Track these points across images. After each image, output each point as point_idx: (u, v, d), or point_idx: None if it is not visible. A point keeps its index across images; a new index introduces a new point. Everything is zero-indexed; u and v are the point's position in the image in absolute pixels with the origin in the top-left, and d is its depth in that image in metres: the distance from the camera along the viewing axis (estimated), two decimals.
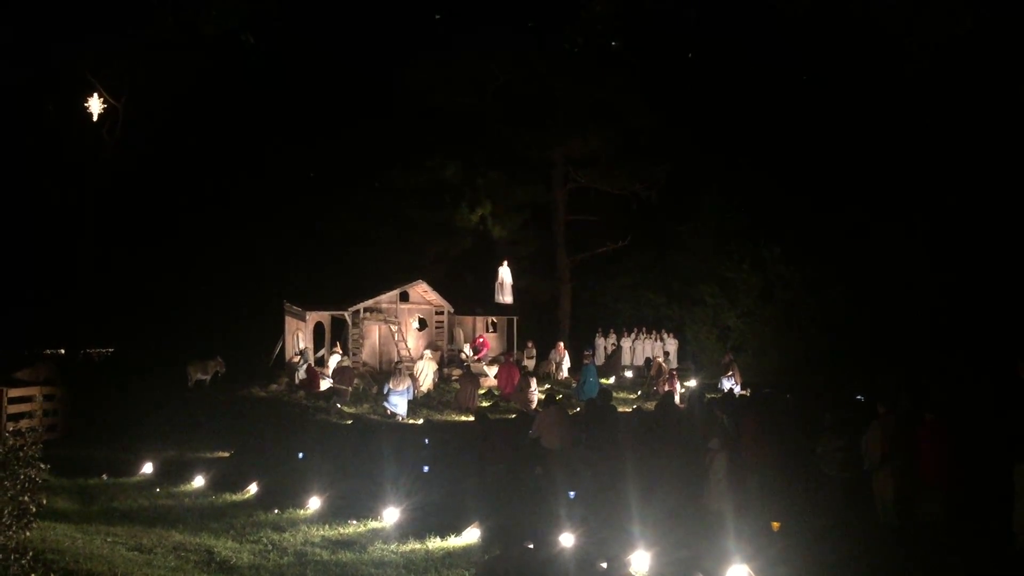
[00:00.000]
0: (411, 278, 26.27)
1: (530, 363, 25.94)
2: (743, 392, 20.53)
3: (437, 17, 31.41)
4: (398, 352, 24.49)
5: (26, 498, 7.45)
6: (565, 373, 26.01)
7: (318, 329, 25.78)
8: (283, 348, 25.93)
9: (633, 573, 8.16)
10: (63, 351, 29.98)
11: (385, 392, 19.89)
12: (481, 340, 27.63)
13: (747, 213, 30.46)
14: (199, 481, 13.35)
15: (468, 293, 29.88)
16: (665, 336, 29.35)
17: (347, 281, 28.20)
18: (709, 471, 10.44)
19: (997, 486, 10.05)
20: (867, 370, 22.61)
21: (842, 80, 29.24)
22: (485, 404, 21.14)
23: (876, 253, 27.21)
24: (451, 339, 27.65)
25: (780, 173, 29.94)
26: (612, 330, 30.43)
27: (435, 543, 9.79)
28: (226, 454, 15.87)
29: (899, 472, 10.10)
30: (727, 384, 22.67)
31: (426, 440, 16.07)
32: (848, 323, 26.55)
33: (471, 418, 18.55)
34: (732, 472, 10.29)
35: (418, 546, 9.71)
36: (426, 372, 22.67)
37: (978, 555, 8.81)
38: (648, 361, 25.67)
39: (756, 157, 30.73)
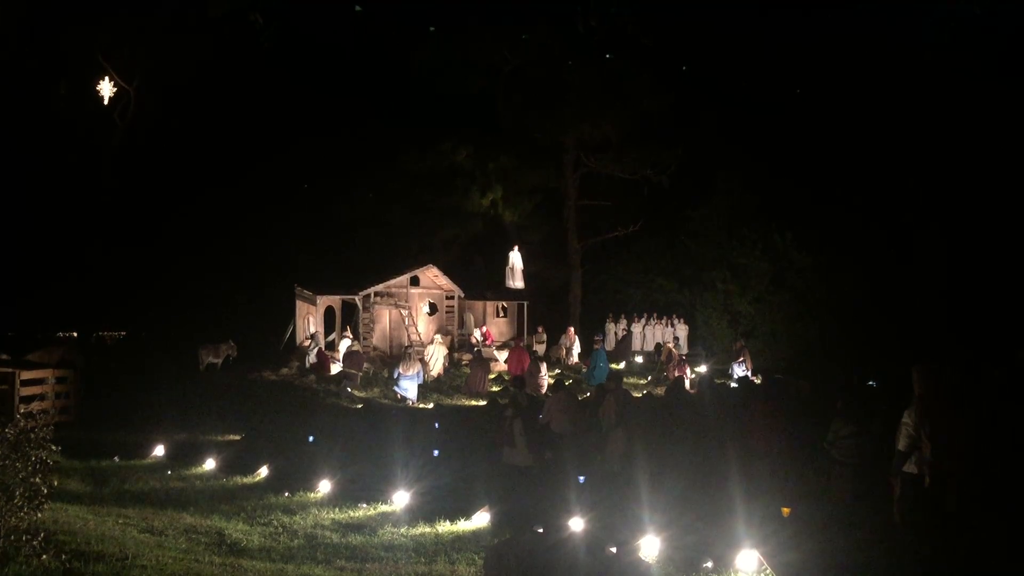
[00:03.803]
0: (422, 262, 26.28)
1: (540, 348, 25.94)
2: (754, 378, 20.48)
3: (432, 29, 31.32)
4: (408, 336, 24.51)
5: (38, 479, 7.47)
6: (575, 358, 26.00)
7: (329, 313, 25.82)
8: (294, 332, 26.02)
9: (643, 558, 8.15)
10: (76, 334, 30.14)
11: (395, 376, 19.90)
12: (485, 331, 27.67)
13: (759, 199, 30.30)
14: (210, 464, 13.39)
15: (479, 278, 29.88)
16: (676, 322, 29.29)
17: (358, 265, 28.25)
18: (512, 434, 11.80)
19: (1012, 474, 9.99)
20: (879, 356, 22.52)
21: (857, 64, 29.02)
22: (495, 389, 21.16)
23: (888, 239, 27.07)
24: (461, 324, 27.66)
25: (792, 159, 29.77)
26: (623, 315, 30.38)
27: (445, 527, 9.80)
28: (237, 437, 15.92)
29: (629, 432, 11.87)
30: (738, 370, 22.61)
31: (436, 424, 16.09)
32: (860, 309, 26.44)
33: (482, 402, 18.58)
34: (528, 433, 11.72)
35: (428, 529, 9.72)
36: (436, 356, 22.68)
37: (991, 543, 8.75)
38: (659, 346, 25.63)
39: (768, 142, 30.55)
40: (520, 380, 15.40)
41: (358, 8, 31.30)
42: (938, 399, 8.10)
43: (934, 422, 7.98)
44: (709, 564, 8.09)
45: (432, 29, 31.26)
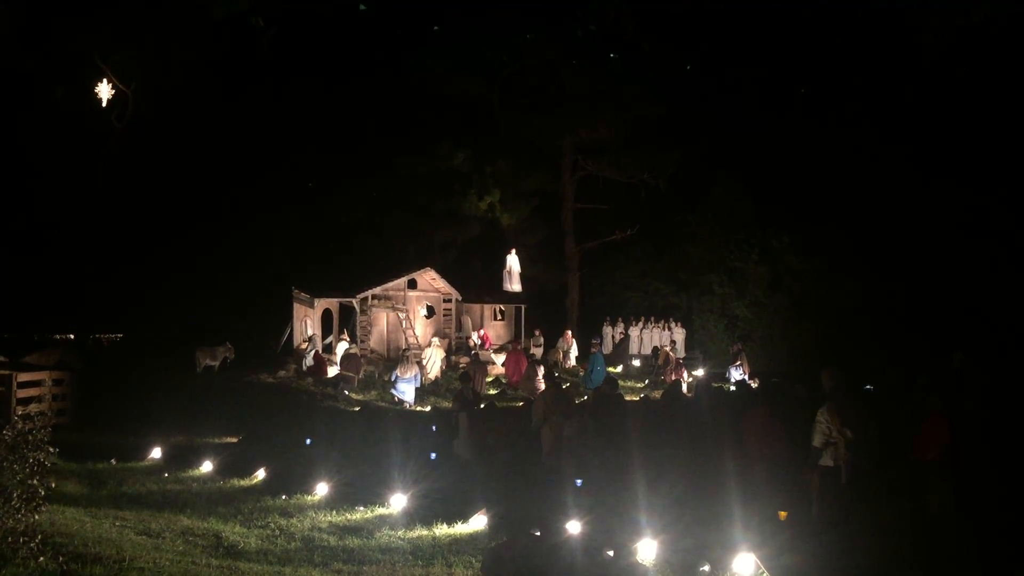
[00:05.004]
0: (419, 265, 26.27)
1: (538, 351, 25.93)
2: (751, 381, 20.49)
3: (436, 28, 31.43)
4: (406, 339, 24.49)
5: (35, 481, 7.45)
6: (572, 361, 26.02)
7: (326, 316, 25.81)
8: (291, 334, 25.98)
9: (639, 561, 8.15)
10: (73, 336, 30.12)
11: (393, 379, 19.90)
12: (483, 334, 27.69)
13: (756, 203, 30.35)
14: (207, 466, 13.39)
15: (476, 281, 29.88)
16: (673, 325, 29.29)
17: (355, 268, 28.23)
18: (458, 428, 12.84)
19: (1007, 475, 10.04)
20: (876, 360, 22.54)
21: (855, 68, 29.04)
22: (492, 392, 21.17)
23: (886, 244, 27.10)
24: (459, 327, 27.65)
25: (790, 163, 29.79)
26: (620, 319, 30.40)
27: (442, 530, 9.79)
28: (234, 440, 15.92)
29: (557, 427, 12.42)
30: (735, 374, 22.64)
31: (434, 427, 16.08)
32: (856, 313, 26.47)
33: (480, 406, 18.57)
34: (472, 427, 12.61)
35: (425, 532, 9.71)
36: (434, 359, 22.68)
37: (986, 543, 8.78)
38: (656, 350, 25.64)
39: (766, 147, 30.57)
40: (466, 376, 15.96)
41: (363, 7, 31.30)
42: (846, 398, 9.09)
43: (842, 418, 8.87)
44: (706, 567, 8.10)
45: (436, 28, 31.31)
